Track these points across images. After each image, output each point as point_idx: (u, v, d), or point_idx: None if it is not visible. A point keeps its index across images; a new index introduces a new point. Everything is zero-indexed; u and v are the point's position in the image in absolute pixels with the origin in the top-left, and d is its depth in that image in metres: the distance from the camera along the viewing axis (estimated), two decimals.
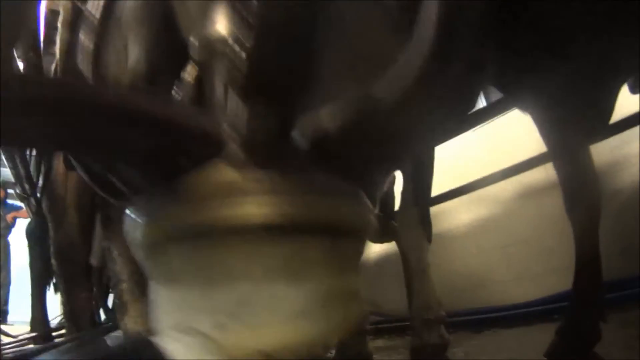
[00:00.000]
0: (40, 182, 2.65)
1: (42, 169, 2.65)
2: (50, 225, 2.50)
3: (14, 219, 6.04)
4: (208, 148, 0.65)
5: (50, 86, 0.57)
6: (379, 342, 2.67)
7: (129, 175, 0.75)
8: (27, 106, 0.53)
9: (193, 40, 0.77)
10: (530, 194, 3.11)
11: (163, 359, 0.67)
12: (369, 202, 0.71)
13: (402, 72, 0.61)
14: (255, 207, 0.61)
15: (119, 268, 2.07)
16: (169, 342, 0.65)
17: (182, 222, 0.63)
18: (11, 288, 6.30)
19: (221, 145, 0.65)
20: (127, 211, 0.69)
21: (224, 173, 0.64)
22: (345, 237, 0.67)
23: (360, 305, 0.71)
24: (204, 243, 0.61)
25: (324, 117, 0.64)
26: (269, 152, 0.65)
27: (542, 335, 1.67)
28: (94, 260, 2.57)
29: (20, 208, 5.23)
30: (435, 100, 0.64)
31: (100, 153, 0.70)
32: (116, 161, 0.72)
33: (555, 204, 1.77)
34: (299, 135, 0.65)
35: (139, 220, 0.68)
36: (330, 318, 0.65)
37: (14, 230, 6.20)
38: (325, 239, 0.64)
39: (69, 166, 2.42)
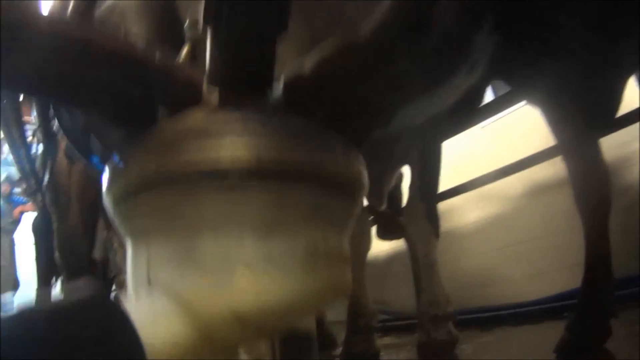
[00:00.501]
0: (46, 177, 2.65)
1: (48, 164, 2.65)
2: (53, 219, 2.50)
3: (21, 213, 6.01)
4: (186, 95, 0.61)
5: (44, 24, 0.56)
6: (387, 340, 2.65)
7: (107, 133, 0.73)
8: (20, 45, 0.52)
9: (187, 22, 0.78)
10: (539, 191, 3.09)
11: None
12: (359, 158, 0.66)
13: (373, 17, 0.59)
14: (227, 149, 0.56)
15: (119, 259, 2.06)
16: (132, 301, 0.59)
17: (149, 169, 0.58)
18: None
19: (199, 93, 0.62)
20: (103, 173, 0.66)
21: (197, 117, 0.60)
22: (330, 190, 0.61)
23: (345, 274, 0.65)
24: (171, 191, 0.57)
25: (299, 62, 0.61)
26: (245, 98, 0.61)
27: (552, 333, 1.65)
28: (97, 254, 2.57)
29: (26, 202, 5.23)
30: (411, 63, 0.61)
31: (85, 98, 0.65)
32: (98, 109, 0.68)
33: (565, 200, 1.75)
34: (277, 83, 0.62)
35: (109, 175, 0.64)
36: (310, 280, 0.59)
37: (20, 227, 6.23)
38: (306, 188, 0.59)
39: (70, 158, 2.42)
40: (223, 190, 0.56)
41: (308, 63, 0.61)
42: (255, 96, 0.62)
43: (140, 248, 0.62)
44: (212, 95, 0.62)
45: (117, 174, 0.63)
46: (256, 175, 0.56)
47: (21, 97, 3.01)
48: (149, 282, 0.59)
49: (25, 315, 0.50)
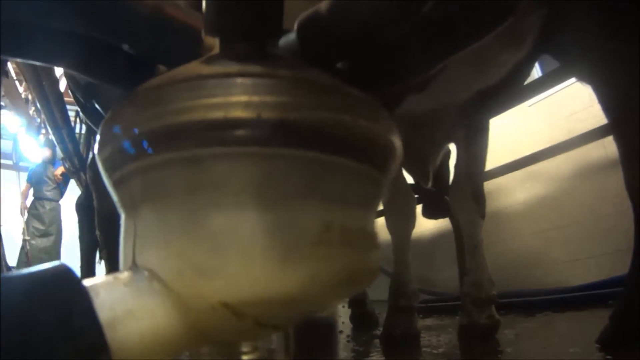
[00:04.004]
0: (90, 156, 2.70)
1: (91, 144, 2.70)
2: (94, 196, 2.53)
3: (64, 174, 6.00)
4: (189, 45, 0.53)
5: None
6: (428, 321, 2.61)
7: (107, 96, 0.67)
8: None
9: None
10: (587, 173, 3.00)
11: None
12: (389, 122, 0.55)
13: None
14: (226, 105, 0.47)
15: None
16: (118, 285, 0.49)
17: (136, 126, 0.49)
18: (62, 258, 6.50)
19: (198, 44, 0.54)
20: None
21: (194, 68, 0.51)
22: (351, 157, 0.51)
23: (369, 259, 0.54)
24: (160, 153, 0.48)
25: (312, 8, 0.52)
26: (249, 49, 0.51)
27: (595, 321, 1.58)
28: None
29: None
30: (442, 11, 0.51)
31: (78, 58, 0.58)
32: (93, 70, 0.60)
33: (614, 183, 1.68)
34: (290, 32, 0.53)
35: (100, 137, 0.55)
36: (323, 264, 0.49)
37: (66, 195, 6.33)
38: (320, 154, 0.49)
39: None
40: (221, 154, 0.47)
41: (325, 5, 0.51)
42: (261, 47, 0.52)
43: (129, 223, 0.54)
44: (212, 46, 0.54)
45: (106, 135, 0.54)
46: (259, 136, 0.47)
47: (64, 80, 3.07)
48: (135, 263, 0.51)
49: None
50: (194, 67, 0.51)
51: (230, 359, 0.58)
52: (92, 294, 0.45)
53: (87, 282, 0.46)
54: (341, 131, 0.50)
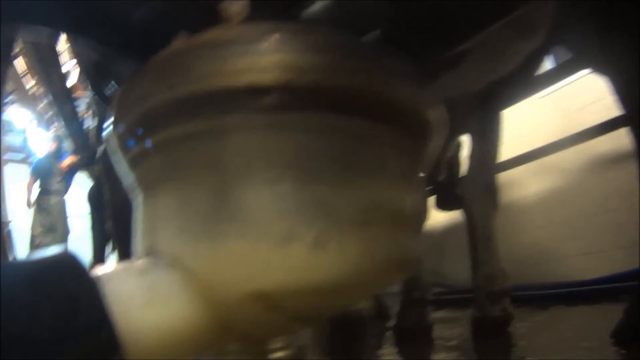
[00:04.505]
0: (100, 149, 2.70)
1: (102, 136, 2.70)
2: (106, 188, 2.54)
3: (70, 166, 6.00)
4: (209, 11, 0.47)
5: None
6: (440, 314, 2.61)
7: (121, 68, 0.61)
8: None
9: None
10: (599, 166, 2.97)
11: None
12: (431, 91, 0.51)
13: None
14: (258, 67, 0.41)
15: None
16: (131, 275, 0.43)
17: (157, 95, 0.44)
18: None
19: (222, 12, 0.48)
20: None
21: (221, 31, 0.45)
22: (392, 126, 0.45)
23: (414, 242, 0.49)
24: (184, 125, 0.43)
25: None
26: (283, 10, 0.47)
27: (609, 315, 1.57)
28: None
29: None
30: None
31: (94, 27, 0.53)
32: (108, 39, 0.55)
33: (626, 176, 1.66)
34: None
35: (113, 111, 0.50)
36: (369, 248, 0.43)
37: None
38: (361, 123, 0.43)
39: None
40: (250, 124, 0.42)
41: None
42: (292, 9, 0.48)
43: (147, 204, 0.48)
44: (238, 9, 0.48)
45: (122, 108, 0.49)
46: (292, 103, 0.42)
47: (76, 73, 3.07)
48: (153, 250, 0.45)
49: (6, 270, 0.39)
50: (218, 32, 0.46)
51: (258, 358, 0.52)
52: (102, 284, 0.39)
53: (96, 271, 0.41)
54: (381, 98, 0.45)
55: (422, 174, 0.53)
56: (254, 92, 0.41)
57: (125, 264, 0.45)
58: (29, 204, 6.22)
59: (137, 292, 0.41)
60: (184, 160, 0.44)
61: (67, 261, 0.40)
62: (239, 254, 0.41)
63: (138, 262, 0.45)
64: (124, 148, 0.50)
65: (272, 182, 0.41)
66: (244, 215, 0.41)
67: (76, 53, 1.03)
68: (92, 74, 1.00)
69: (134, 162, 0.50)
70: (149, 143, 0.46)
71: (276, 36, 0.43)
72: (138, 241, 0.49)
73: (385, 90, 0.45)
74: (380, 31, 0.47)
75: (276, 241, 0.41)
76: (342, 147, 0.43)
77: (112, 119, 0.50)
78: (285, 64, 0.41)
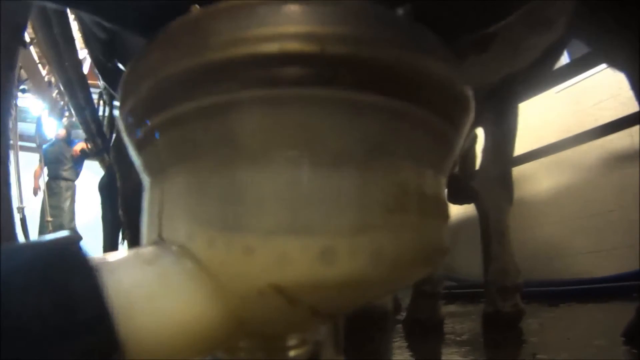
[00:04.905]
0: (113, 137, 2.71)
1: (114, 124, 2.71)
2: (117, 176, 2.55)
3: (81, 152, 6.02)
4: None
5: None
6: (452, 308, 2.60)
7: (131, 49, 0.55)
8: None
9: None
10: (614, 162, 2.94)
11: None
12: (463, 71, 0.47)
13: None
14: (283, 37, 0.37)
15: None
16: (136, 266, 0.40)
17: (166, 68, 0.40)
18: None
19: None
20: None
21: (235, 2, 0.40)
22: (426, 106, 0.42)
23: (443, 230, 0.46)
24: (197, 102, 0.39)
25: None
26: None
27: (620, 314, 1.56)
28: None
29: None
30: None
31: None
32: (120, 16, 0.52)
33: None
34: None
35: (121, 89, 0.46)
36: (398, 239, 0.40)
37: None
38: (391, 102, 0.40)
39: None
40: (273, 98, 0.38)
41: None
42: None
43: (155, 189, 0.45)
44: None
45: (129, 83, 0.45)
46: (321, 76, 0.38)
47: (88, 62, 3.08)
48: (161, 238, 0.42)
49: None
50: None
51: (273, 357, 0.48)
52: (105, 274, 0.36)
53: (98, 259, 0.37)
54: (417, 75, 0.41)
55: (451, 158, 0.49)
56: (281, 62, 0.37)
57: (130, 253, 0.41)
58: (35, 192, 6.26)
59: (142, 283, 0.37)
60: (196, 140, 0.40)
61: (66, 248, 0.36)
62: (256, 244, 0.37)
63: (144, 250, 0.41)
64: (132, 128, 0.46)
65: (293, 164, 0.38)
66: (261, 202, 0.38)
67: (84, 34, 0.98)
68: (100, 56, 0.96)
69: (142, 143, 0.45)
70: (156, 120, 0.42)
71: (307, 2, 0.39)
72: (145, 229, 0.46)
73: (423, 67, 0.41)
74: (410, 5, 0.43)
75: (299, 229, 0.37)
76: (373, 126, 0.40)
77: (119, 97, 0.47)
78: (317, 32, 0.38)
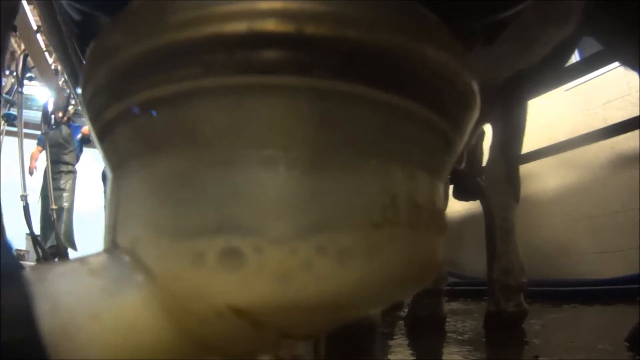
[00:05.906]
0: None
1: None
2: None
3: (82, 137, 6.01)
4: None
5: None
6: (454, 305, 2.58)
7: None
8: None
9: None
10: (621, 163, 2.91)
11: None
12: (468, 59, 0.41)
13: None
14: (254, 14, 0.32)
15: None
16: (82, 275, 0.34)
17: (130, 51, 0.34)
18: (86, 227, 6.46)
19: None
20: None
21: None
22: (422, 100, 0.36)
23: (437, 243, 0.40)
24: (158, 88, 0.33)
25: None
26: None
27: (624, 317, 1.54)
28: None
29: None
30: None
31: None
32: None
33: None
34: None
35: (84, 72, 0.41)
36: (384, 255, 0.34)
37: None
38: (384, 93, 0.34)
39: None
40: (241, 86, 0.32)
41: None
42: None
43: (112, 189, 0.39)
44: None
45: (89, 68, 0.40)
46: (299, 61, 0.32)
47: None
48: (115, 245, 0.36)
49: None
50: None
51: None
52: (38, 287, 0.31)
53: (33, 270, 0.33)
54: (414, 64, 0.35)
55: (449, 162, 0.43)
56: (251, 44, 0.32)
57: (75, 262, 0.35)
58: (30, 172, 6.24)
59: (85, 298, 0.32)
60: (154, 131, 0.35)
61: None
62: (209, 257, 0.32)
63: (92, 259, 0.35)
64: (91, 118, 0.40)
65: (263, 165, 0.32)
66: (222, 206, 0.32)
67: (62, 19, 0.92)
68: (75, 40, 0.91)
69: (101, 134, 0.40)
70: (114, 109, 0.37)
71: None
72: (104, 232, 0.40)
73: (421, 54, 0.35)
74: None
75: (264, 243, 0.32)
76: (361, 122, 0.34)
77: (80, 84, 0.41)
78: (294, 9, 0.32)
